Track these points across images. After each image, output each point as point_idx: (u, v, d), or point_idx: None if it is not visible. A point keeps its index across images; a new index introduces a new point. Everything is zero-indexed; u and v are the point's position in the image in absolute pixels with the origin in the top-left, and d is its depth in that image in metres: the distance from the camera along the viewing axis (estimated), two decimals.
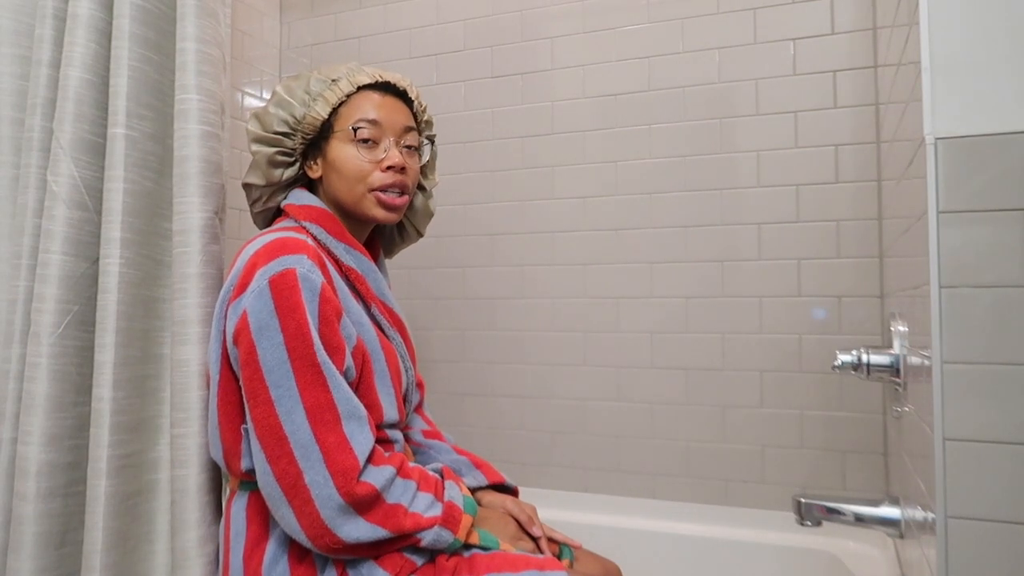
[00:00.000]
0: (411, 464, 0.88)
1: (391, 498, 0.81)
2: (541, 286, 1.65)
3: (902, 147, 0.94)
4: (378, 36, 1.83)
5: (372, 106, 0.95)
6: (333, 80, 0.94)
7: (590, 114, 1.61)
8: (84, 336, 0.98)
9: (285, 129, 0.94)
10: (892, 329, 1.05)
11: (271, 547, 0.84)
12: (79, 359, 0.98)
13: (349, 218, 0.98)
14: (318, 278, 0.83)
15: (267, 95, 1.89)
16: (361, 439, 0.80)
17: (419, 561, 0.86)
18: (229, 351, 0.85)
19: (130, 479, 0.96)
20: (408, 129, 0.97)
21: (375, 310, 0.96)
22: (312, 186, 1.00)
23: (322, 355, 0.79)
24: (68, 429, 0.96)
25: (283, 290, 0.80)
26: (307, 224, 0.93)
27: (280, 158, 0.95)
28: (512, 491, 1.10)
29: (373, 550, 0.82)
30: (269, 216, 1.04)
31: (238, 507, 0.89)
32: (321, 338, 0.81)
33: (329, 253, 0.93)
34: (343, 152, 0.94)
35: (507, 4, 1.69)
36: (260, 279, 0.81)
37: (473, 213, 1.71)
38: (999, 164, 0.66)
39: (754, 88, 1.48)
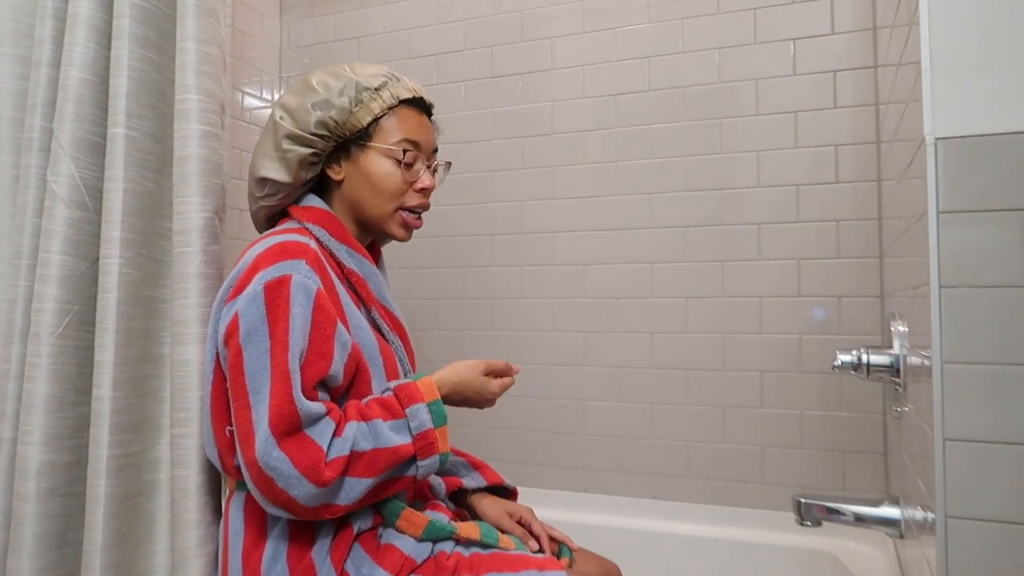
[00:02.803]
0: (368, 399, 0.87)
1: (365, 447, 0.81)
2: (541, 286, 1.65)
3: (902, 147, 0.94)
4: (378, 36, 1.83)
5: (414, 126, 0.96)
6: (376, 89, 0.93)
7: (590, 114, 1.61)
8: (84, 336, 0.98)
9: (323, 132, 0.91)
10: (892, 329, 1.05)
11: (270, 546, 0.84)
12: (79, 359, 0.98)
13: (358, 224, 0.98)
14: (314, 284, 0.83)
15: (267, 95, 1.89)
16: (323, 430, 0.80)
17: (419, 559, 0.86)
18: (220, 351, 0.85)
19: (130, 479, 0.96)
20: (435, 151, 1.00)
21: (375, 313, 0.96)
22: (320, 186, 0.99)
23: (294, 366, 0.79)
24: (68, 429, 0.96)
25: (276, 297, 0.80)
26: (310, 225, 0.93)
27: (312, 159, 0.93)
28: (511, 492, 1.10)
29: (381, 492, 0.84)
30: (274, 215, 1.01)
31: (236, 507, 0.89)
32: (310, 344, 0.81)
33: (331, 255, 0.93)
34: (381, 167, 0.94)
35: (507, 4, 1.69)
36: (257, 283, 0.81)
37: (473, 213, 1.71)
38: (999, 164, 0.66)
39: (754, 88, 1.48)
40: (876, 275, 1.38)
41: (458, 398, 0.92)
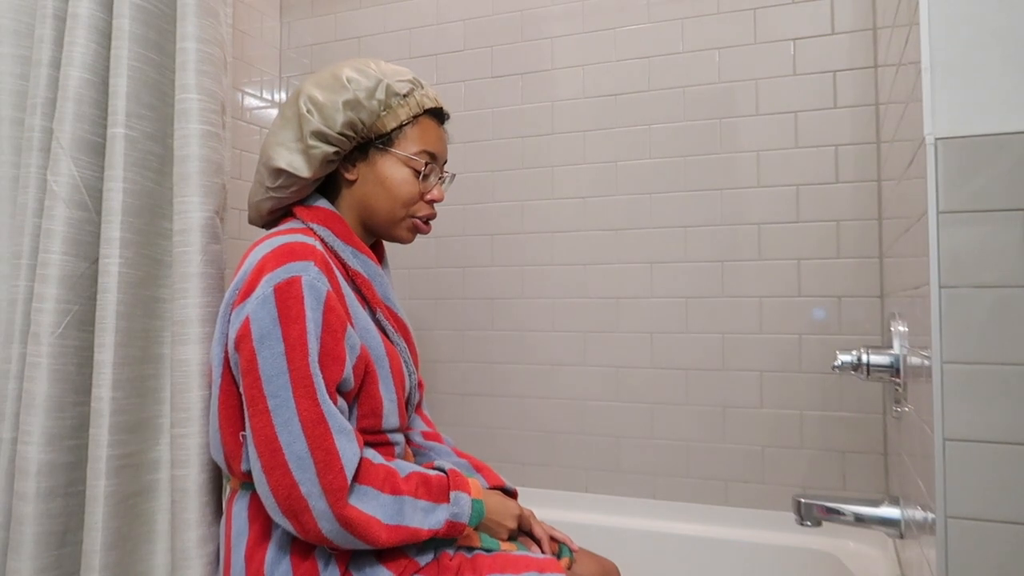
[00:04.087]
0: (409, 470, 0.87)
1: (384, 519, 0.81)
2: (541, 286, 1.65)
3: (902, 147, 0.94)
4: (378, 36, 1.83)
5: (434, 138, 0.96)
6: (404, 95, 0.93)
7: (590, 114, 1.61)
8: (84, 336, 0.98)
9: (350, 132, 0.90)
10: (892, 329, 1.05)
11: (273, 546, 0.84)
12: (79, 359, 0.97)
13: (363, 225, 0.98)
14: (324, 286, 0.82)
15: (267, 95, 1.89)
16: (349, 454, 0.79)
17: (423, 561, 0.86)
18: (230, 355, 0.85)
19: (130, 479, 0.96)
20: (445, 161, 1.00)
21: (380, 315, 0.95)
22: (328, 183, 0.97)
23: (315, 368, 0.79)
24: (68, 429, 0.96)
25: (287, 299, 0.79)
26: (314, 226, 0.92)
27: (333, 157, 0.91)
28: (511, 494, 1.10)
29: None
30: (277, 210, 0.98)
31: (240, 507, 0.89)
32: (322, 347, 0.80)
33: (336, 256, 0.92)
34: (398, 173, 0.93)
35: (507, 4, 1.69)
36: (266, 286, 0.80)
37: (473, 213, 1.71)
38: (999, 164, 0.66)
39: (754, 88, 1.48)
40: (876, 275, 1.38)
41: (489, 517, 0.92)
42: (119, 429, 0.94)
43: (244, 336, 0.80)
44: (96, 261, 0.99)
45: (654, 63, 1.56)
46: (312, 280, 0.81)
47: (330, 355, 0.81)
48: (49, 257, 0.95)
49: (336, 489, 0.77)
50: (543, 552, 0.97)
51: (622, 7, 1.59)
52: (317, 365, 0.79)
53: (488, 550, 0.91)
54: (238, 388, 0.85)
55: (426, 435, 1.10)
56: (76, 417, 0.97)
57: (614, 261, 1.59)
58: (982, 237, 0.66)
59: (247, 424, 0.80)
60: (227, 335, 0.85)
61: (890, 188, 1.17)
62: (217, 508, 0.97)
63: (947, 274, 0.67)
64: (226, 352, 0.86)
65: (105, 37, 1.00)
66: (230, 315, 0.85)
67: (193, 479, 0.92)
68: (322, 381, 0.79)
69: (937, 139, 0.68)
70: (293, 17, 1.93)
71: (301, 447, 0.77)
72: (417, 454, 1.07)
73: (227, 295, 0.87)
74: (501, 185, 1.69)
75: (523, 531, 0.99)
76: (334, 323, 0.82)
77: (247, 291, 0.82)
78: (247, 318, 0.80)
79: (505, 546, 0.93)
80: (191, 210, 0.96)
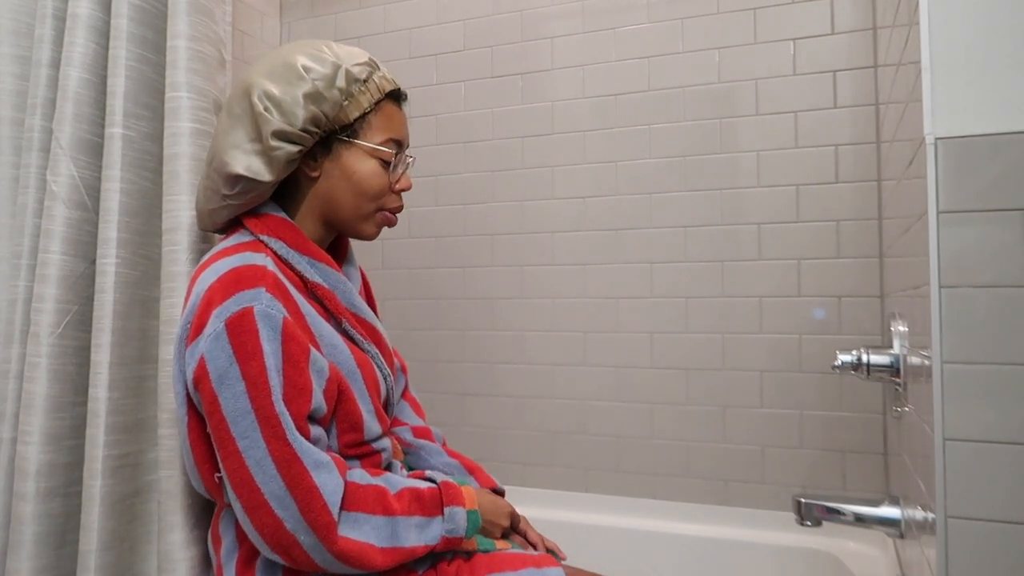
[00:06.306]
0: (401, 486, 0.84)
1: (378, 543, 0.78)
2: (541, 286, 1.65)
3: (902, 147, 0.94)
4: (378, 36, 1.83)
5: (399, 124, 0.90)
6: (364, 81, 0.86)
7: (590, 114, 1.61)
8: (83, 336, 0.98)
9: (314, 128, 0.82)
10: (892, 329, 1.05)
11: (263, 561, 0.83)
12: (78, 359, 0.98)
13: (325, 224, 0.91)
14: (279, 313, 0.76)
15: None
16: (331, 487, 0.76)
17: (420, 569, 0.85)
18: (191, 395, 0.80)
19: (126, 479, 0.95)
20: (408, 145, 0.95)
21: (347, 324, 0.89)
22: (286, 182, 0.89)
23: (280, 406, 0.74)
24: (67, 429, 0.96)
25: (241, 333, 0.74)
26: (264, 238, 0.84)
27: (298, 156, 0.83)
28: (499, 494, 1.09)
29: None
30: (232, 219, 0.89)
31: (227, 524, 0.87)
32: (285, 381, 0.75)
33: (292, 269, 0.85)
34: (366, 166, 0.87)
35: (507, 4, 1.69)
36: (216, 321, 0.75)
37: (473, 213, 1.71)
38: (999, 164, 0.66)
39: (754, 88, 1.48)
40: (876, 275, 1.38)
41: (483, 518, 0.91)
42: (116, 429, 0.94)
43: (201, 376, 0.75)
44: (95, 261, 0.99)
45: (654, 63, 1.56)
46: (265, 309, 0.75)
47: (295, 387, 0.76)
48: (49, 257, 0.95)
49: (322, 526, 0.75)
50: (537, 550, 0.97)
51: (622, 7, 1.59)
52: (282, 402, 0.75)
53: (484, 551, 0.91)
54: (205, 425, 0.81)
55: (416, 431, 1.07)
56: (75, 417, 0.97)
57: (614, 261, 1.59)
58: (982, 237, 0.66)
59: (220, 465, 0.77)
60: (184, 372, 0.80)
61: (890, 188, 1.16)
62: (202, 510, 0.95)
63: (947, 274, 0.67)
64: (187, 390, 0.81)
65: (104, 37, 1.00)
66: (184, 352, 0.79)
67: (177, 480, 0.92)
68: (290, 419, 0.75)
69: (937, 139, 0.68)
70: (293, 17, 1.93)
71: (278, 487, 0.74)
72: (407, 453, 1.05)
73: (178, 330, 0.81)
74: (501, 185, 1.69)
75: (514, 528, 0.99)
76: (295, 352, 0.76)
77: (197, 327, 0.77)
78: (202, 357, 0.75)
79: (500, 544, 0.93)
80: (179, 208, 0.95)
